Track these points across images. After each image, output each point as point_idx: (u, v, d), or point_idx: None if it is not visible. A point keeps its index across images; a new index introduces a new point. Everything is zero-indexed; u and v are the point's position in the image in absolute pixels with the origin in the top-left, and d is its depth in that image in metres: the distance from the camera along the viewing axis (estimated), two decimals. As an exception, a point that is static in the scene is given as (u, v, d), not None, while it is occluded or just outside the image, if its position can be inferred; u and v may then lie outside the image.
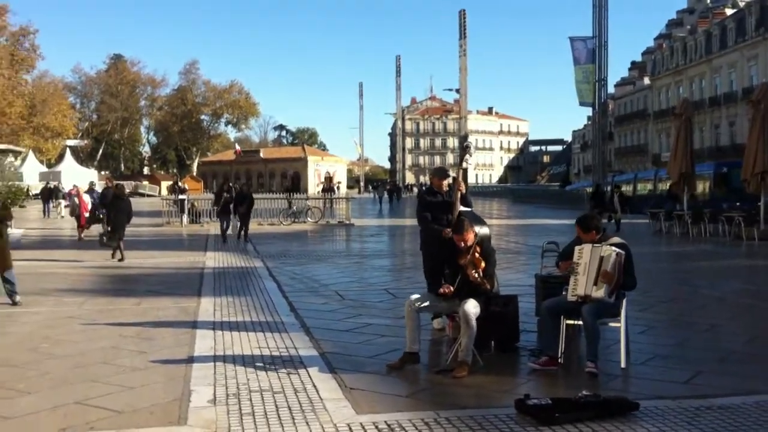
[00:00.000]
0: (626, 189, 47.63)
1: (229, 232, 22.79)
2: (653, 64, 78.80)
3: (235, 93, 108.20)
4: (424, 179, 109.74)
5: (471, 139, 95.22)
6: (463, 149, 9.92)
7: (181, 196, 31.37)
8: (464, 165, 9.07)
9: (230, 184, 27.19)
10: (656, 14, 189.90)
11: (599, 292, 6.71)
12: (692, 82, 68.20)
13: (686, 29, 74.01)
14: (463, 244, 6.98)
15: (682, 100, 30.71)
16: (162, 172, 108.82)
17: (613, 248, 6.80)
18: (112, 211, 17.52)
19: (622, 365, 6.86)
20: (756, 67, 57.01)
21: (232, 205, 22.97)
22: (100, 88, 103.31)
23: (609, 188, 36.76)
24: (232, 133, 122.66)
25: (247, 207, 22.91)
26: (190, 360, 7.22)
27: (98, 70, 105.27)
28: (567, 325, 7.19)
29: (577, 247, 7.04)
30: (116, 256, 16.59)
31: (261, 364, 6.97)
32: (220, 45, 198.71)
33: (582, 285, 6.84)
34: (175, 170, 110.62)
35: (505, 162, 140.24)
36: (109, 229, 17.44)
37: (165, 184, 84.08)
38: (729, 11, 65.18)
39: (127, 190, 23.52)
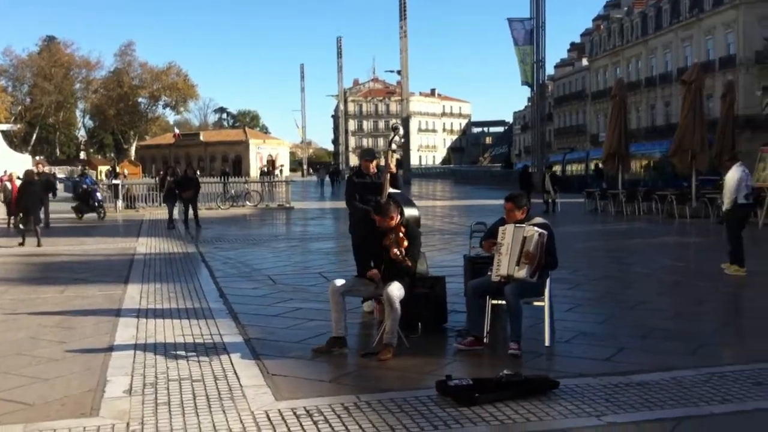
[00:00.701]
0: (556, 169, 48.71)
1: (176, 216, 22.11)
2: (591, 45, 79.91)
3: (172, 75, 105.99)
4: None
5: (413, 120, 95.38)
6: (392, 130, 9.84)
7: (114, 181, 30.70)
8: (393, 146, 9.00)
9: (175, 169, 26.64)
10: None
11: (521, 272, 6.72)
12: (629, 63, 69.38)
13: (623, 10, 75.08)
14: (387, 226, 6.91)
15: (617, 81, 31.15)
16: (99, 157, 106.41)
17: (536, 228, 6.81)
18: (24, 196, 16.92)
19: (546, 343, 6.90)
20: (690, 47, 58.26)
21: (177, 190, 22.12)
22: (33, 71, 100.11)
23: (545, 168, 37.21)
24: (170, 117, 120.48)
25: (194, 192, 22.05)
26: (110, 349, 7.03)
27: (30, 53, 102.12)
28: (493, 305, 7.20)
29: (500, 228, 7.04)
30: (28, 243, 16.29)
31: (183, 352, 6.82)
32: (157, 26, 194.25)
33: (504, 265, 6.84)
34: (112, 154, 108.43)
35: (448, 144, 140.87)
36: (21, 215, 16.86)
37: (103, 169, 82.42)
38: (664, -7, 66.30)
39: (48, 171, 24.53)
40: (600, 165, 46.18)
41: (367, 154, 8.79)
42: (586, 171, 49.42)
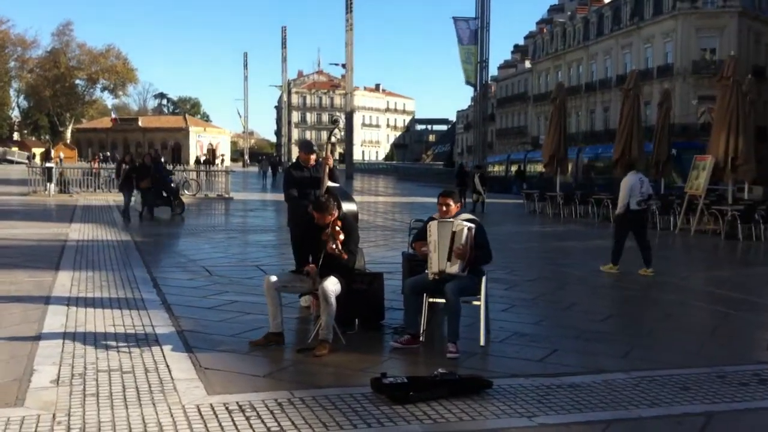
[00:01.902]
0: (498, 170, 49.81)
1: (134, 205, 20.64)
2: (534, 48, 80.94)
3: (112, 58, 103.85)
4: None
5: (357, 115, 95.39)
6: (332, 123, 9.79)
7: (48, 164, 29.87)
8: (332, 140, 8.94)
9: (132, 155, 24.05)
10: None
11: (454, 268, 6.76)
12: (570, 67, 70.49)
13: (566, 15, 76.24)
14: (325, 222, 6.87)
15: (557, 85, 31.63)
16: (33, 139, 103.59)
17: (464, 222, 6.86)
18: None
19: (482, 343, 6.95)
20: (630, 55, 59.45)
21: (134, 179, 20.39)
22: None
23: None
24: (109, 100, 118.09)
25: (152, 181, 20.49)
26: (38, 338, 6.82)
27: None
28: (430, 303, 7.23)
29: (427, 226, 7.10)
30: None
31: (113, 343, 6.66)
32: (97, 7, 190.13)
33: (435, 262, 6.88)
34: (47, 137, 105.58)
35: (392, 139, 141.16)
36: None
37: (37, 151, 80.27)
38: None
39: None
40: (521, 168, 47.48)
41: (305, 147, 8.71)
42: (506, 173, 50.81)
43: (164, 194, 21.45)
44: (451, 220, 6.94)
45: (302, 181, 8.36)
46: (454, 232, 6.81)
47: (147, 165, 20.71)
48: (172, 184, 22.37)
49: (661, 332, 8.01)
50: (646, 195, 12.31)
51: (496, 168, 55.52)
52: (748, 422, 5.21)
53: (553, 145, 26.15)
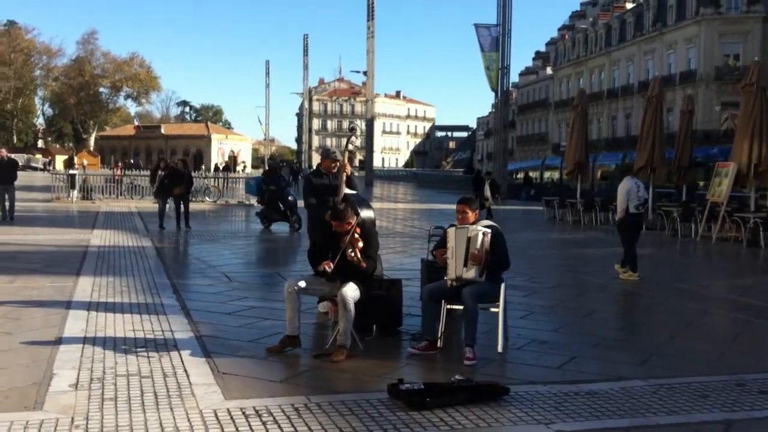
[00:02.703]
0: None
1: (168, 212, 19.61)
2: (556, 54, 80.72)
3: (135, 66, 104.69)
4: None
5: (378, 122, 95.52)
6: (350, 131, 9.82)
7: (71, 171, 30.16)
8: (350, 147, 8.97)
9: (166, 161, 21.86)
10: (562, 5, 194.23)
11: (470, 273, 6.77)
12: (592, 73, 70.24)
13: (588, 21, 76.02)
14: (343, 230, 6.88)
15: (579, 92, 31.51)
16: (57, 146, 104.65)
17: (479, 228, 6.86)
18: None
19: (499, 350, 6.93)
20: (652, 61, 59.16)
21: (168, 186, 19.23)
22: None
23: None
24: (132, 108, 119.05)
25: (186, 188, 19.40)
26: (58, 342, 6.88)
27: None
28: (448, 309, 7.22)
29: (446, 232, 7.12)
30: None
31: (132, 348, 6.70)
32: (121, 16, 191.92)
33: (453, 268, 6.88)
34: (71, 144, 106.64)
35: (412, 146, 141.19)
36: None
37: (60, 158, 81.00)
38: (629, 5, 67.26)
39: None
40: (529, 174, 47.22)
41: (326, 154, 8.77)
42: (541, 178, 50.52)
43: (282, 208, 19.75)
44: (466, 226, 6.95)
45: (321, 189, 8.42)
46: (469, 238, 6.82)
47: (181, 171, 19.68)
48: (290, 198, 19.98)
49: (681, 340, 7.95)
50: (642, 199, 12.60)
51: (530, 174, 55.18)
52: (768, 431, 5.15)
53: (576, 152, 26.03)
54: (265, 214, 19.73)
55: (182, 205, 19.09)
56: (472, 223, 7.01)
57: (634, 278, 12.04)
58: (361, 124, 70.67)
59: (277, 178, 20.95)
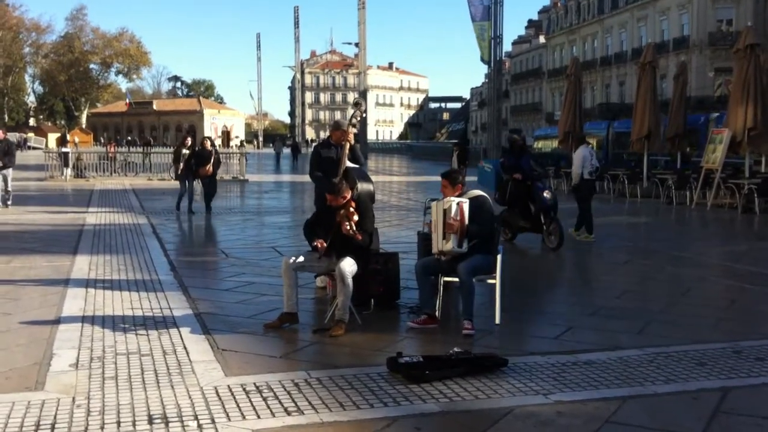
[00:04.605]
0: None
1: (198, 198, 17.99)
2: (548, 23, 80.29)
3: (125, 41, 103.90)
4: (325, 134, 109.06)
5: (371, 94, 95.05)
6: (355, 105, 9.78)
7: (64, 149, 30.02)
8: (354, 121, 8.93)
9: (191, 139, 18.85)
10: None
11: (449, 245, 6.75)
12: (585, 41, 69.92)
13: (581, -11, 75.46)
14: (338, 204, 6.88)
15: (572, 60, 31.34)
16: (49, 124, 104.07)
17: (453, 199, 6.86)
18: None
19: (497, 321, 6.97)
20: (645, 28, 58.90)
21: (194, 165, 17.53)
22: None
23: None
24: (123, 84, 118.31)
25: (214, 168, 17.87)
26: (57, 322, 6.90)
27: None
28: (445, 282, 7.24)
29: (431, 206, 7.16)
30: None
31: (131, 326, 6.72)
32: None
33: (435, 242, 6.90)
34: (63, 122, 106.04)
35: (406, 118, 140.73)
36: None
37: (52, 136, 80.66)
38: (621, -28, 66.73)
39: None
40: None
41: (338, 125, 8.74)
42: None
43: (531, 210, 12.31)
44: (444, 199, 6.96)
45: (328, 161, 8.44)
46: (445, 210, 6.83)
47: (208, 150, 17.88)
48: (546, 193, 12.31)
49: (677, 308, 7.99)
50: (595, 167, 13.50)
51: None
52: (765, 397, 5.19)
53: (569, 120, 25.95)
54: (507, 219, 12.58)
55: (209, 186, 17.70)
56: (460, 195, 7.00)
57: (590, 239, 12.90)
58: (355, 96, 70.46)
59: (523, 162, 12.61)
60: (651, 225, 17.20)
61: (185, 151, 17.96)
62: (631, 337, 6.61)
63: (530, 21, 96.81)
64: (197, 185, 17.98)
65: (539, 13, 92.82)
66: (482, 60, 47.31)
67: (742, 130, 19.41)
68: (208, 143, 18.50)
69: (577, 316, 7.40)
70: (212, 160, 17.59)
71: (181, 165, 17.77)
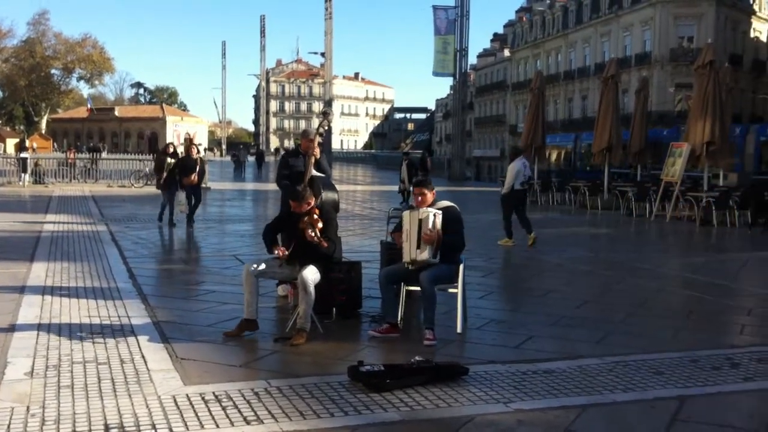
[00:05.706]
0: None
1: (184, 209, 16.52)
2: (513, 36, 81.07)
3: (88, 47, 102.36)
4: (289, 143, 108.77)
5: (337, 104, 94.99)
6: (322, 114, 9.75)
7: (23, 155, 29.52)
8: (321, 131, 8.89)
9: (174, 146, 17.89)
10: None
11: (423, 254, 6.77)
12: (549, 55, 70.70)
13: (546, 3, 76.33)
14: (301, 210, 6.85)
15: (536, 74, 31.68)
16: (8, 129, 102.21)
17: (429, 210, 6.88)
18: None
19: (458, 330, 6.98)
20: (608, 43, 59.72)
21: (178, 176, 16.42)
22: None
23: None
24: (85, 90, 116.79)
25: (200, 177, 16.67)
26: (12, 329, 6.75)
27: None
28: (408, 291, 7.24)
29: (402, 216, 7.15)
30: None
31: (89, 334, 6.60)
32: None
33: (407, 251, 6.90)
34: (22, 127, 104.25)
35: (371, 128, 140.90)
36: None
37: (11, 142, 79.15)
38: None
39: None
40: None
41: (307, 134, 8.70)
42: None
43: None
44: (419, 209, 6.95)
45: (295, 169, 8.41)
46: (420, 220, 6.84)
47: (193, 158, 16.60)
48: None
49: (636, 318, 8.08)
50: (527, 177, 14.71)
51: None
52: (721, 405, 5.26)
53: (531, 133, 26.20)
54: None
55: (193, 198, 16.52)
56: (430, 204, 7.03)
57: (510, 243, 13.84)
58: (320, 106, 70.49)
59: None
60: (611, 236, 17.40)
61: (170, 160, 16.73)
62: (591, 347, 6.66)
63: (495, 35, 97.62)
64: (181, 195, 16.62)
65: (504, 27, 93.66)
66: (435, 73, 47.71)
67: (701, 145, 19.77)
68: (195, 151, 17.13)
69: (538, 326, 7.43)
70: (197, 170, 16.41)
71: (164, 174, 16.56)
